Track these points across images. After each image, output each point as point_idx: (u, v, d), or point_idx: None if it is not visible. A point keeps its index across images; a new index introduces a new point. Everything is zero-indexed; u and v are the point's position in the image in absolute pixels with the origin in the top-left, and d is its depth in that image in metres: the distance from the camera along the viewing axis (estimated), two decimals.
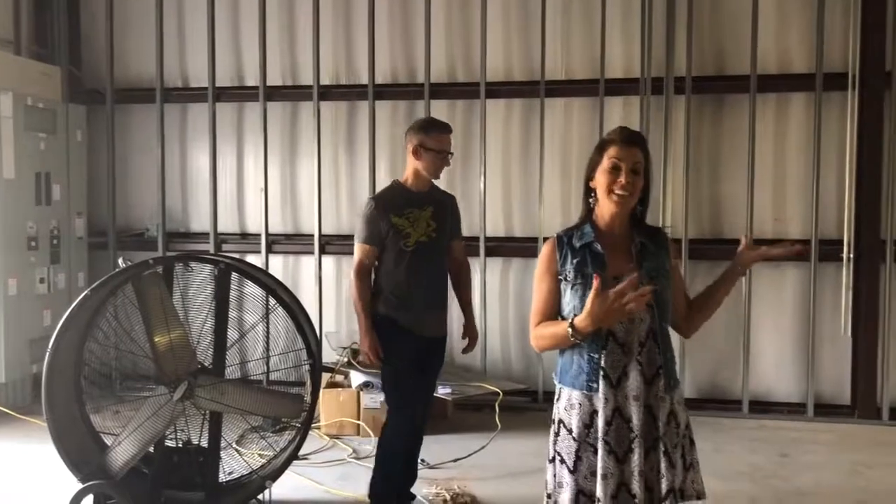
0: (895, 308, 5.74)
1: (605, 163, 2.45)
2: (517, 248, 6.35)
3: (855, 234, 5.81)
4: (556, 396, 2.53)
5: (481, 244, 6.21)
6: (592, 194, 2.51)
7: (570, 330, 2.35)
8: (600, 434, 2.38)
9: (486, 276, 6.25)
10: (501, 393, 5.37)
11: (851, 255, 5.80)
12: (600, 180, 2.46)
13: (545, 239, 5.83)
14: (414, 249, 3.75)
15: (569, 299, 2.44)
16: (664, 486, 2.37)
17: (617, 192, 2.43)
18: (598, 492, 2.37)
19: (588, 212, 2.54)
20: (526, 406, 6.07)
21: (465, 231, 6.41)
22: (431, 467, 4.69)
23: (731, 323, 5.98)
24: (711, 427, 5.54)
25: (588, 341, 2.39)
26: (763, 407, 5.82)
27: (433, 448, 4.88)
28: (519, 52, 6.33)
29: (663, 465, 2.38)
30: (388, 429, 3.88)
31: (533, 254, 6.17)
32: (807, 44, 5.92)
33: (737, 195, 6.03)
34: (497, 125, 6.37)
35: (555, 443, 2.50)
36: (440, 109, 6.24)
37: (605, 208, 2.49)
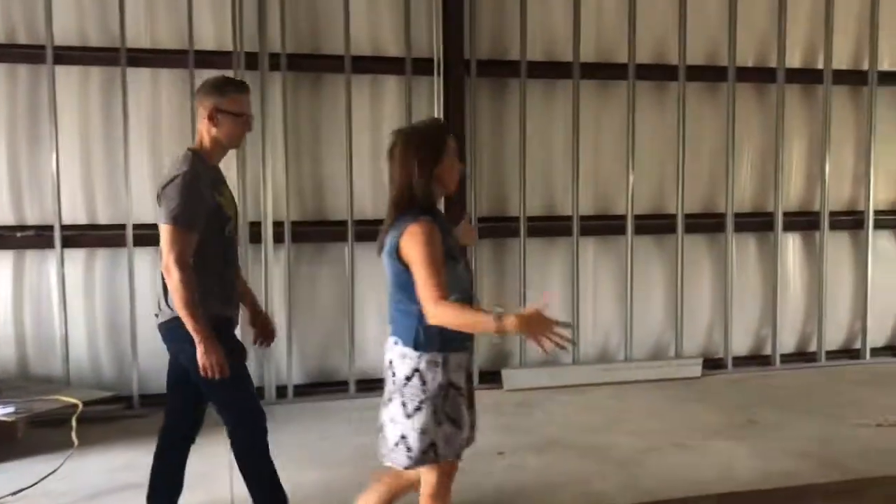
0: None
1: (449, 151, 2.80)
2: (102, 237, 5.62)
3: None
4: (437, 365, 2.69)
5: (56, 234, 5.38)
6: (436, 182, 2.76)
7: (496, 325, 2.49)
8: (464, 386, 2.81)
9: (66, 269, 5.44)
10: (81, 404, 4.66)
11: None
12: (449, 167, 2.81)
13: (135, 226, 5.66)
14: (233, 236, 3.29)
15: (450, 270, 2.67)
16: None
17: (457, 178, 2.86)
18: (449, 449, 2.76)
19: (431, 196, 2.75)
20: (120, 415, 5.42)
21: (37, 219, 5.63)
22: None
23: (336, 304, 5.98)
24: (318, 413, 5.49)
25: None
26: (370, 385, 5.90)
27: None
28: (94, 13, 5.56)
29: None
30: (245, 443, 3.24)
31: (121, 243, 5.53)
32: (398, 28, 6.06)
33: (338, 176, 6.00)
34: (71, 97, 5.55)
35: (442, 407, 2.71)
36: None
37: (443, 193, 2.86)
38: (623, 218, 6.51)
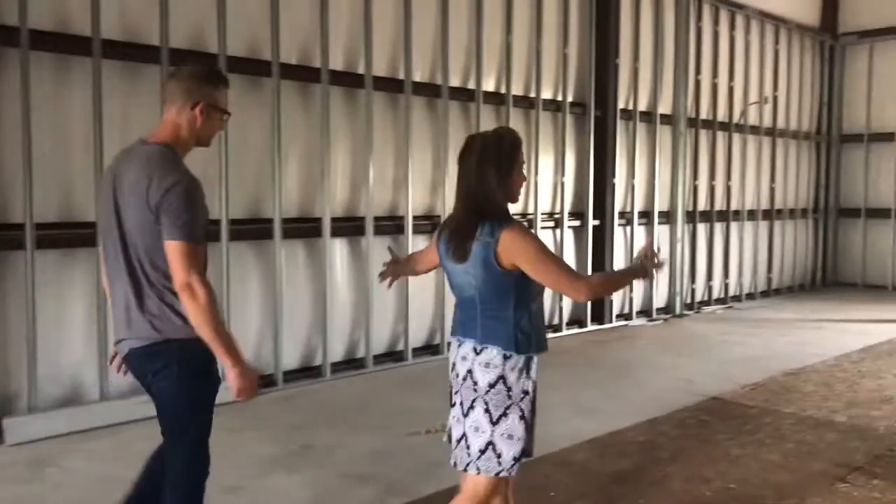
0: None
1: (520, 163, 2.82)
2: None
3: None
4: (522, 370, 2.72)
5: None
6: (511, 191, 2.81)
7: (637, 271, 2.93)
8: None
9: None
10: None
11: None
12: (517, 178, 2.81)
13: None
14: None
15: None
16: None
17: (521, 188, 2.85)
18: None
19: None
20: None
21: None
22: None
23: None
24: None
25: (540, 313, 2.82)
26: None
27: None
28: None
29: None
30: (186, 488, 2.80)
31: None
32: None
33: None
34: None
35: (525, 412, 2.73)
36: None
37: (511, 201, 2.82)
38: None
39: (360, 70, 6.84)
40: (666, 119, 10.06)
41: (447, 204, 7.46)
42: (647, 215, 9.89)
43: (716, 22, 10.76)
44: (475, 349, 2.74)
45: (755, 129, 11.60)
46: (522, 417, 2.73)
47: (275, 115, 6.18)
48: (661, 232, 10.08)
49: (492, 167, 2.71)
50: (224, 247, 5.93)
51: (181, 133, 2.76)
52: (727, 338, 8.62)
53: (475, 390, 2.72)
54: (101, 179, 2.84)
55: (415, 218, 7.23)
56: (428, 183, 7.47)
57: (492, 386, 2.70)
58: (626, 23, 9.39)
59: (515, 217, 2.90)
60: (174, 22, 5.64)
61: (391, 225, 7.12)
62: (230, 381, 2.65)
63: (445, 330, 7.52)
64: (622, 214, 9.53)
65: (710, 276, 10.97)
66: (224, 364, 2.65)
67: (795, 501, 4.05)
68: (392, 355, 7.22)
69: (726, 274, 11.23)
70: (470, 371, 2.74)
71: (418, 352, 7.39)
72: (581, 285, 2.71)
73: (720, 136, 11.00)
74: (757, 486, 4.26)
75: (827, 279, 13.29)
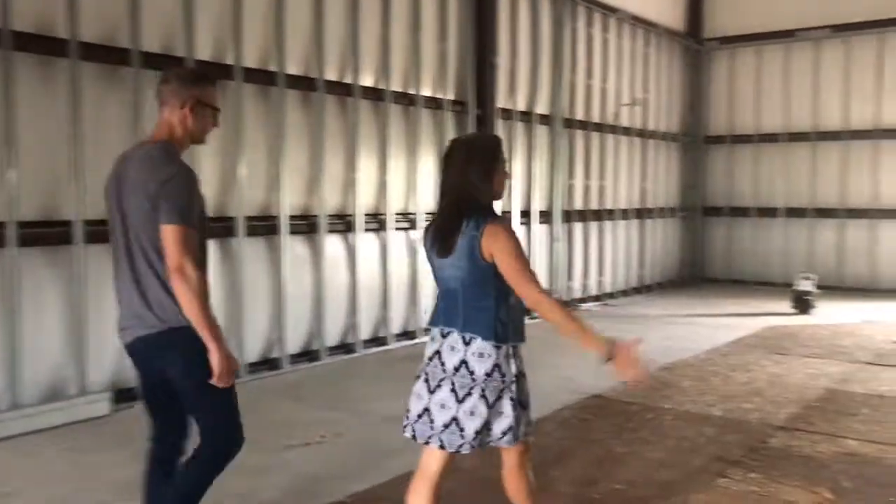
0: None
1: (503, 164, 2.99)
2: None
3: None
4: (510, 356, 2.93)
5: None
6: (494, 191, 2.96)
7: (604, 346, 2.90)
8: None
9: None
10: None
11: None
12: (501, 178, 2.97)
13: None
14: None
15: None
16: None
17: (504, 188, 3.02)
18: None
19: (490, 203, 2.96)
20: None
21: None
22: None
23: None
24: None
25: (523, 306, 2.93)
26: None
27: None
28: None
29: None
30: (210, 462, 2.96)
31: None
32: None
33: None
34: None
35: (517, 395, 2.97)
36: None
37: (495, 200, 2.98)
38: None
39: (230, 61, 6.45)
40: (544, 119, 10.14)
41: (326, 203, 7.17)
42: (526, 215, 9.93)
43: (590, 24, 10.96)
44: (464, 339, 2.88)
45: (627, 131, 11.91)
46: (512, 400, 2.93)
47: (135, 107, 5.71)
48: (540, 231, 10.16)
49: (477, 166, 2.90)
50: (79, 250, 5.42)
51: (175, 131, 2.94)
52: (604, 334, 8.72)
53: (473, 379, 2.87)
54: (106, 182, 2.97)
55: (291, 217, 6.89)
56: (304, 182, 7.15)
57: (489, 375, 2.87)
58: (504, 22, 9.38)
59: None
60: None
61: (264, 226, 6.76)
62: (213, 365, 2.76)
63: (325, 335, 7.23)
64: (503, 214, 9.50)
65: (586, 274, 11.16)
66: (208, 347, 2.75)
67: (680, 499, 4.05)
68: (268, 362, 6.86)
69: (601, 271, 11.47)
70: (464, 362, 2.88)
71: (296, 358, 7.06)
72: (543, 297, 2.84)
73: (594, 136, 11.21)
74: (643, 485, 4.24)
75: (695, 275, 13.85)
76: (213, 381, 2.77)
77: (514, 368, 2.95)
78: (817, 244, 12.78)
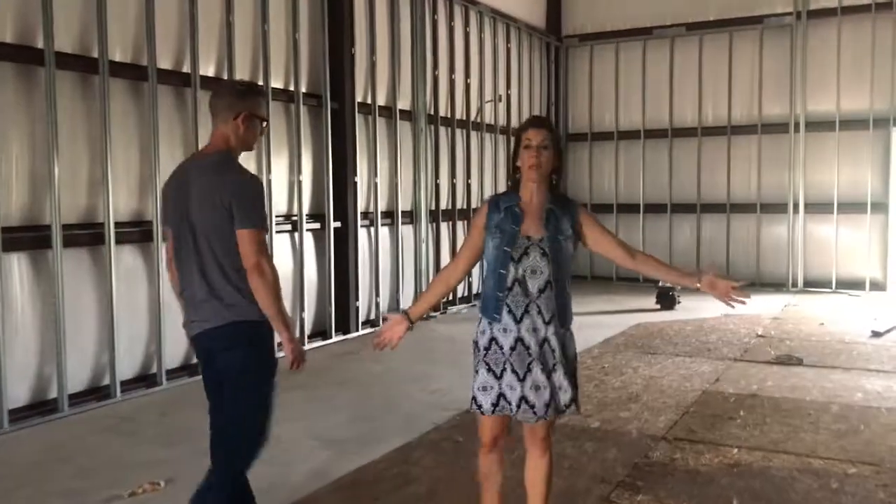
0: None
1: (522, 143, 3.15)
2: None
3: None
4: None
5: None
6: (518, 171, 3.19)
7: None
8: (502, 356, 3.17)
9: None
10: None
11: None
12: (521, 157, 3.17)
13: None
14: None
15: (490, 247, 3.16)
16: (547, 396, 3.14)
17: (529, 163, 3.12)
18: (481, 400, 3.18)
19: (516, 183, 3.21)
20: None
21: None
22: None
23: None
24: None
25: (496, 283, 3.14)
26: None
27: None
28: None
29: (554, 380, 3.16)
30: (240, 458, 3.13)
31: None
32: None
33: None
34: None
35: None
36: None
37: (525, 179, 3.15)
38: None
39: (39, 45, 5.53)
40: (406, 115, 9.63)
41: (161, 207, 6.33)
42: (390, 215, 9.40)
43: (451, 17, 10.54)
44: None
45: (491, 128, 11.61)
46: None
47: None
48: (406, 232, 9.65)
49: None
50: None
51: (230, 141, 3.17)
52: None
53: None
54: (164, 191, 3.27)
55: (117, 225, 6.02)
56: (134, 183, 6.29)
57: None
58: (361, 11, 8.80)
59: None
60: None
61: (86, 234, 5.86)
62: (287, 352, 3.07)
63: (165, 357, 6.39)
64: (365, 215, 8.94)
65: None
66: (282, 337, 3.05)
67: None
68: (96, 391, 5.96)
69: (469, 273, 11.08)
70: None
71: (130, 385, 6.19)
72: (448, 266, 3.49)
73: (459, 133, 10.82)
74: None
75: None
76: (288, 366, 3.09)
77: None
78: (677, 239, 13.00)
